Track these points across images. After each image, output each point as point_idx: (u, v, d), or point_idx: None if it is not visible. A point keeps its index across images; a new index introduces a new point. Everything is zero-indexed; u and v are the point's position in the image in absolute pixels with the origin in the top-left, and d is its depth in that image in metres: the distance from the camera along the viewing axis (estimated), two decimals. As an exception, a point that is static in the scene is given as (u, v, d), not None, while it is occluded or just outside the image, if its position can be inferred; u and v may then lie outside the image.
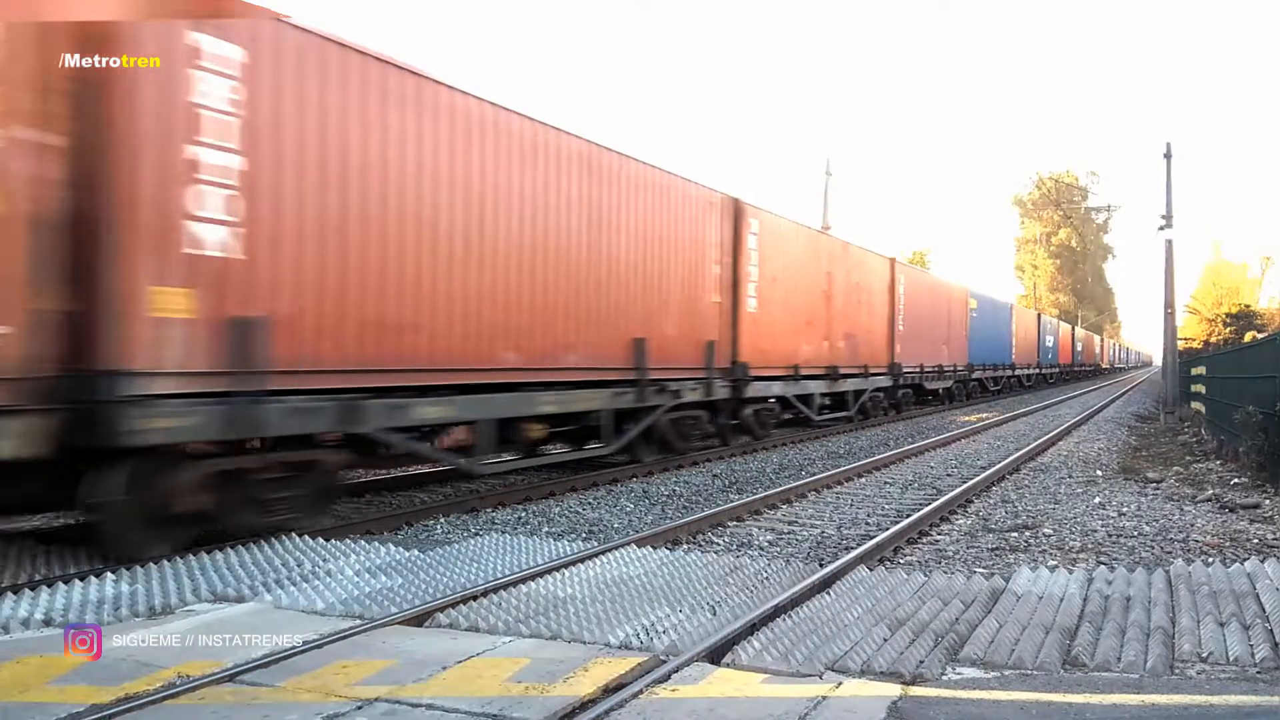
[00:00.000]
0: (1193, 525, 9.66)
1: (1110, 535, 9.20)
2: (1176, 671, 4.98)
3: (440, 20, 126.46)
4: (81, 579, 6.46)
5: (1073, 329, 67.46)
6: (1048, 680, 4.76)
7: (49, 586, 6.26)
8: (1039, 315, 51.99)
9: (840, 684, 4.59)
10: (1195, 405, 23.85)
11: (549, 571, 6.84)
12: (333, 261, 8.55)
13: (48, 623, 5.61)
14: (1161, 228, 26.72)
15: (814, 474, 13.33)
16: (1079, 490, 12.26)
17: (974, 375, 34.97)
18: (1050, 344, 53.84)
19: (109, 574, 6.59)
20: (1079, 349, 68.17)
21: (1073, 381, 61.69)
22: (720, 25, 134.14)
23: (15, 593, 6.11)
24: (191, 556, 7.18)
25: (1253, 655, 5.11)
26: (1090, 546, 8.70)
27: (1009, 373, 42.10)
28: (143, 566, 6.86)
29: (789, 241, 18.62)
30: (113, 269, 6.92)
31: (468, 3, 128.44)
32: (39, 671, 4.64)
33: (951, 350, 31.57)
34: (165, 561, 7.02)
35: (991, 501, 11.36)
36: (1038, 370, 49.51)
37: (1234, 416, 14.56)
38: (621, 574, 6.91)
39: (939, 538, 9.24)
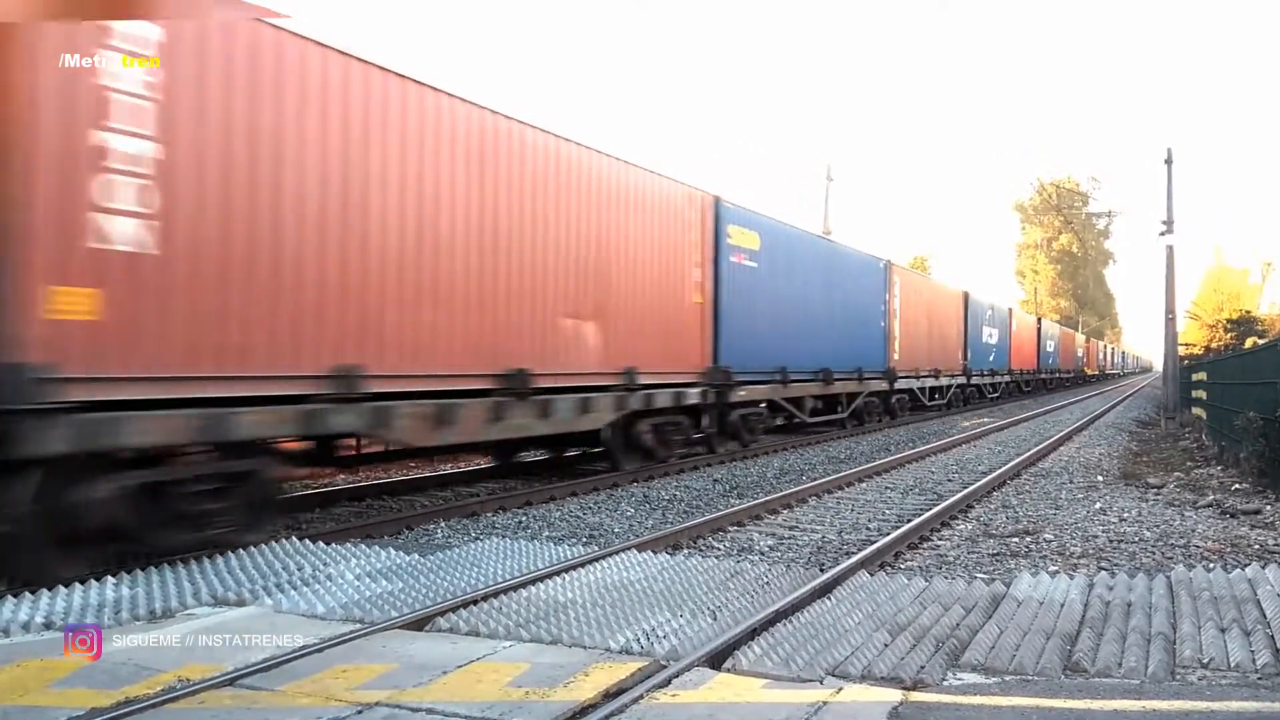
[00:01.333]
0: (1194, 531, 9.65)
1: (1111, 541, 9.19)
2: (1178, 677, 4.97)
3: (445, 23, 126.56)
4: (82, 582, 6.45)
5: (1038, 322, 52.78)
6: (1049, 686, 4.76)
7: (49, 589, 6.25)
8: (965, 296, 34.13)
9: (841, 689, 4.59)
10: (1196, 411, 23.84)
11: (549, 576, 6.84)
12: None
13: (48, 626, 5.60)
14: (1163, 233, 26.75)
15: (815, 478, 13.33)
16: (1080, 496, 12.26)
17: (736, 395, 16.11)
18: (992, 340, 37.71)
19: (109, 577, 6.59)
20: (1049, 349, 53.23)
21: (1041, 394, 49.23)
22: (720, 30, 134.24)
23: (15, 595, 6.10)
24: (193, 560, 7.18)
25: (1254, 661, 5.11)
26: (1091, 552, 8.69)
27: (877, 386, 23.74)
28: (143, 570, 6.86)
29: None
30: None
31: (470, 7, 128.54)
32: (39, 675, 4.64)
33: (630, 342, 13.18)
34: (166, 565, 7.02)
35: (992, 506, 11.36)
36: (962, 379, 33.04)
37: (1235, 422, 14.55)
38: (622, 579, 6.91)
39: (940, 543, 9.24)
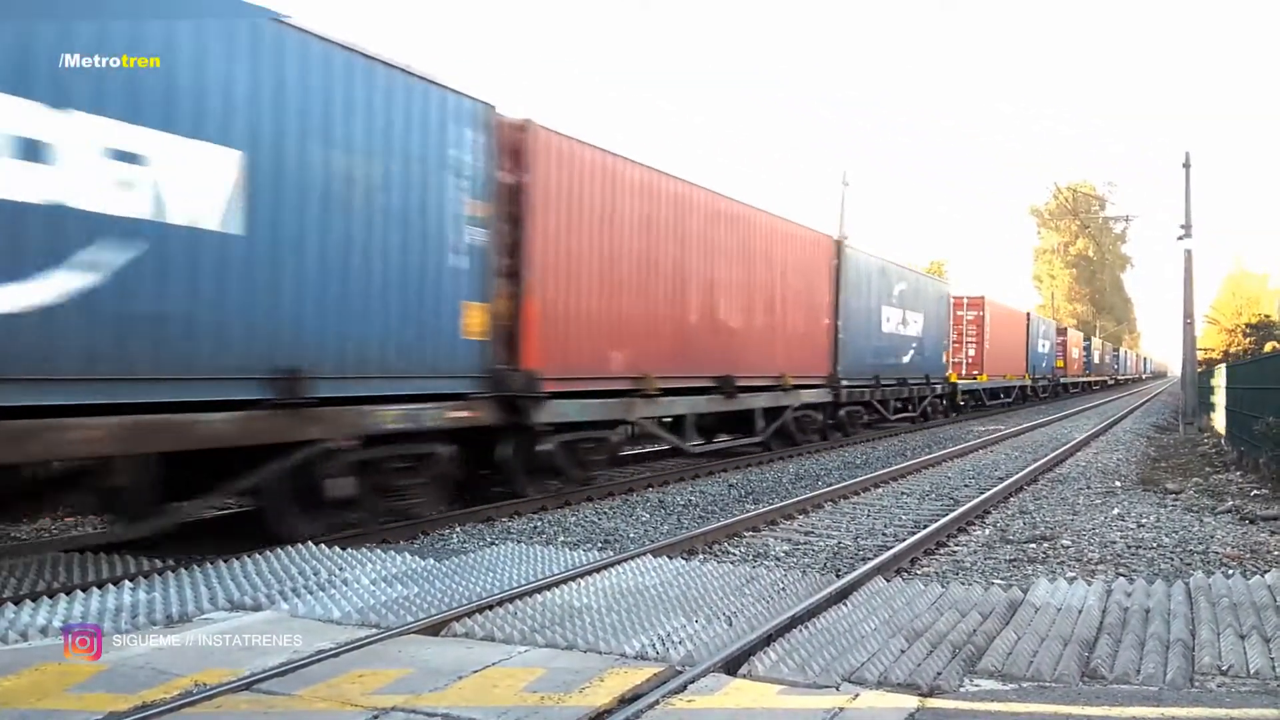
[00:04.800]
0: (1212, 537, 9.58)
1: (1129, 547, 9.13)
2: (1196, 684, 4.94)
3: (470, 26, 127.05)
4: (99, 587, 6.49)
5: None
6: (1066, 693, 4.73)
7: (67, 595, 6.29)
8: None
9: (857, 695, 4.58)
10: (1215, 416, 23.70)
11: (565, 581, 6.84)
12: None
13: (65, 630, 5.63)
14: (1180, 237, 26.58)
15: (830, 484, 13.29)
16: (1097, 501, 12.18)
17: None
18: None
19: (127, 582, 6.62)
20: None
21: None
22: (736, 34, 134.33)
23: (34, 601, 6.14)
24: (209, 565, 7.21)
25: (1274, 668, 5.07)
26: (1109, 558, 8.64)
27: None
28: (160, 575, 6.89)
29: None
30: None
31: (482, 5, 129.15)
32: (57, 679, 4.66)
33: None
34: (183, 570, 7.05)
35: (1009, 512, 11.30)
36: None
37: (1254, 427, 14.45)
38: (637, 584, 6.90)
39: (956, 549, 9.20)
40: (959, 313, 32.90)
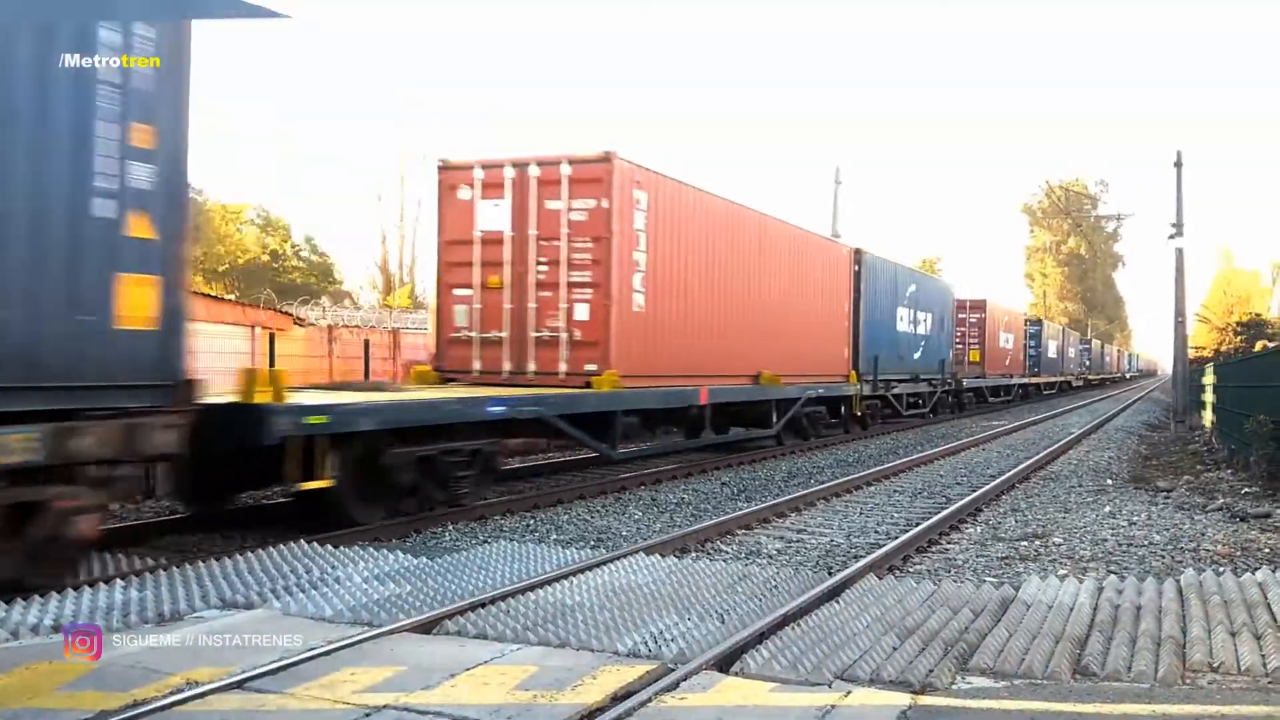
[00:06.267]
0: (1203, 534, 9.62)
1: (1120, 544, 9.16)
2: (1188, 681, 4.96)
3: (457, 23, 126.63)
4: (90, 585, 6.47)
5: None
6: (1058, 690, 4.75)
7: (58, 593, 6.26)
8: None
9: (849, 693, 4.59)
10: (1206, 414, 23.76)
11: (557, 579, 6.83)
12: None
13: (57, 629, 5.59)
14: (1172, 236, 26.66)
15: (823, 482, 13.30)
16: (1089, 499, 12.22)
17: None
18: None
19: (118, 580, 6.60)
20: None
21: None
22: (729, 32, 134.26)
23: (25, 599, 6.12)
24: (201, 563, 7.19)
25: (1264, 665, 5.08)
26: (1100, 555, 8.67)
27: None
28: (151, 573, 6.87)
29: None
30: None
31: (474, 7, 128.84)
32: (48, 678, 4.65)
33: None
34: (175, 568, 7.03)
35: (1001, 510, 11.33)
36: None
37: (1245, 425, 14.49)
38: (630, 582, 6.90)
39: (949, 546, 9.22)
40: (548, 204, 12.65)
